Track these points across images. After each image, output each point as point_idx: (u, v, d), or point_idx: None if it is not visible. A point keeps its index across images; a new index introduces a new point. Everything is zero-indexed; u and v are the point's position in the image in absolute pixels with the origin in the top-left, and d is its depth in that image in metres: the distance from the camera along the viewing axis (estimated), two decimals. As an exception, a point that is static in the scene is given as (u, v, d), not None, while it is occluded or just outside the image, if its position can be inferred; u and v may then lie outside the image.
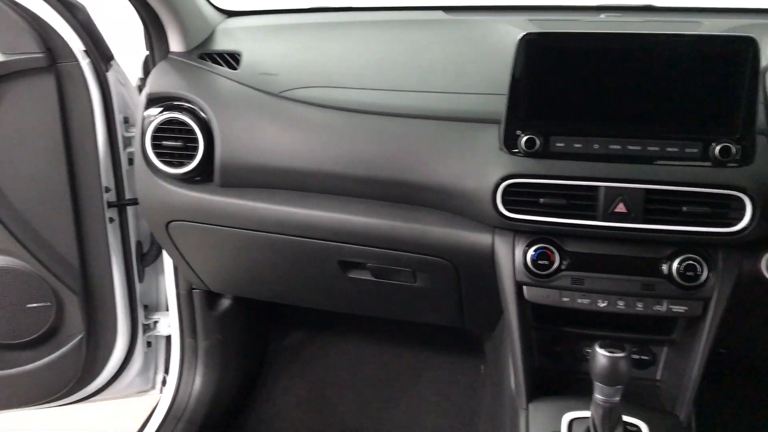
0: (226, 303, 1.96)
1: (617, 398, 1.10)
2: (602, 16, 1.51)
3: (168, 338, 1.98)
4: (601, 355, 1.06)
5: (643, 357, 1.40)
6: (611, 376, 1.07)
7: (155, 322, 1.94)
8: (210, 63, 1.52)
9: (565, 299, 1.28)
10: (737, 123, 1.17)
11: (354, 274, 1.52)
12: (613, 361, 1.06)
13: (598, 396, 1.11)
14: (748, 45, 1.16)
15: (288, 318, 2.28)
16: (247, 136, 1.42)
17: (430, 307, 1.62)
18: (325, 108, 1.40)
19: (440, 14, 1.57)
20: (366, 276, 1.51)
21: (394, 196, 1.37)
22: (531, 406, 1.29)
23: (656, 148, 1.20)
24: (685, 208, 1.18)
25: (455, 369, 2.13)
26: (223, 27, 1.61)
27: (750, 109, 1.17)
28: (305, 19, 1.62)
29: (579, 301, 1.27)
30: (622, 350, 1.07)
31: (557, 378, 1.40)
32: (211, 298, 1.91)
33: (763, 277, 1.20)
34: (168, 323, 1.94)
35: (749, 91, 1.17)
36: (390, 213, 1.38)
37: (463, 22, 1.52)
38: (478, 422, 1.96)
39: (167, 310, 1.92)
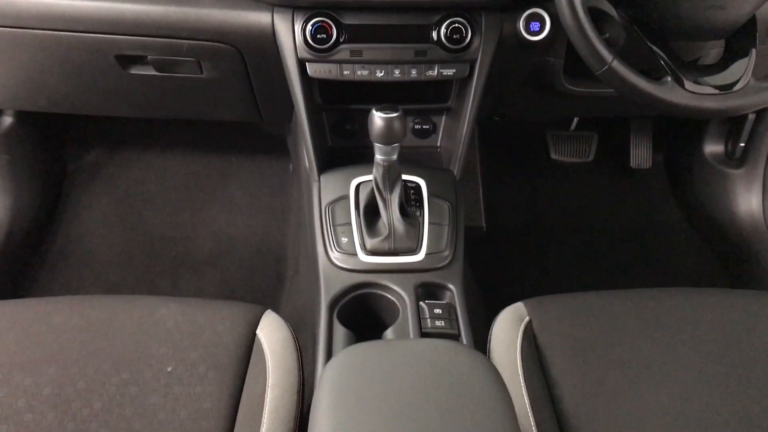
0: (7, 120, 1.83)
1: (395, 156, 1.18)
2: None
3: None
4: (377, 117, 1.12)
5: (424, 126, 1.51)
6: (387, 135, 1.13)
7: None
8: None
9: (345, 72, 1.31)
10: None
11: (135, 70, 1.45)
12: (388, 121, 1.12)
13: (378, 156, 1.18)
14: None
15: (84, 135, 2.16)
16: None
17: (223, 101, 1.61)
18: None
19: None
20: (149, 71, 1.44)
21: None
22: (322, 177, 1.36)
23: None
24: None
25: (264, 170, 2.16)
26: None
27: None
28: None
29: (359, 72, 1.31)
30: (396, 111, 1.13)
31: (349, 154, 1.47)
32: None
33: (521, 35, 1.30)
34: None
35: None
36: None
37: None
38: (289, 215, 2.04)
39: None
